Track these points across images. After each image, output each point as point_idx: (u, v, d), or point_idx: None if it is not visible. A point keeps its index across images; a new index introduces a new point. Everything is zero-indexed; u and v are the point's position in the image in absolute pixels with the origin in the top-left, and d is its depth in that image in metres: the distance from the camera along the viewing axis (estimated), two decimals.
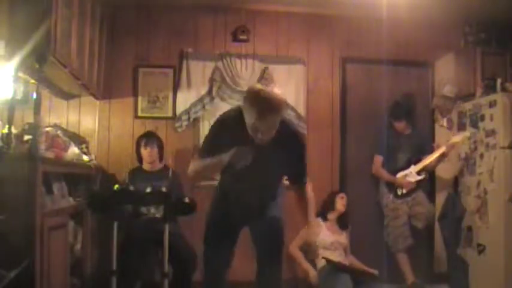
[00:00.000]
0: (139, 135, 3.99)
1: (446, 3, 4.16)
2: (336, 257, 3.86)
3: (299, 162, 2.47)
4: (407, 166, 4.17)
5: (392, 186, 4.18)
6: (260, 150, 2.20)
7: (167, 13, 4.39)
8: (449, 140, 4.14)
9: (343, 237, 4.00)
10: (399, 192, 4.14)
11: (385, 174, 4.23)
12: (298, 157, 2.45)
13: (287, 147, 2.32)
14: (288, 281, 3.98)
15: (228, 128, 2.33)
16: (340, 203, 4.06)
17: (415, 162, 4.16)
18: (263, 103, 2.10)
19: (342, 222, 4.08)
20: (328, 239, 3.92)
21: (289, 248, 3.96)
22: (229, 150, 2.20)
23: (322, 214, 4.06)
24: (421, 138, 4.30)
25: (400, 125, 4.24)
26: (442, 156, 4.12)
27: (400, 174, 4.16)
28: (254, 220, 2.60)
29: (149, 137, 3.88)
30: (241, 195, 2.51)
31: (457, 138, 4.12)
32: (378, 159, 4.28)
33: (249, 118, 2.15)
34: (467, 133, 4.14)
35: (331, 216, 4.05)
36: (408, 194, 4.14)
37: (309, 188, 2.56)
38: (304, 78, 4.51)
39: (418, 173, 4.13)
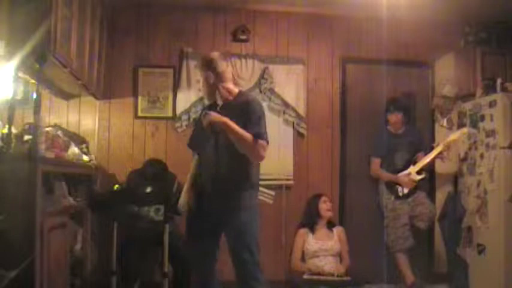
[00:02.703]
0: (145, 165, 3.92)
1: (446, 3, 4.16)
2: (323, 264, 3.89)
3: (253, 123, 2.61)
4: (405, 166, 4.15)
5: (392, 187, 4.15)
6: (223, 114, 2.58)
7: (167, 13, 4.39)
8: (447, 138, 4.13)
9: (331, 243, 4.01)
10: (400, 193, 4.13)
11: (385, 174, 4.19)
12: (252, 117, 2.62)
13: (244, 111, 2.62)
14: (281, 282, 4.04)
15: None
16: (325, 209, 4.07)
17: (414, 162, 4.15)
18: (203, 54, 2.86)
19: (330, 224, 4.11)
20: (312, 247, 3.98)
21: (292, 265, 4.01)
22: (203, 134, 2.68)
23: (310, 224, 4.08)
24: (416, 137, 4.28)
25: (393, 118, 4.20)
26: (441, 154, 4.11)
27: (400, 175, 4.14)
28: (230, 200, 2.60)
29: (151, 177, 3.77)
30: (212, 167, 2.63)
31: (454, 135, 4.12)
32: (376, 161, 4.25)
33: None
34: (464, 129, 4.14)
35: (319, 225, 4.08)
36: (409, 194, 4.12)
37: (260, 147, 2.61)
38: (304, 78, 4.50)
39: (418, 172, 4.13)
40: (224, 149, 2.62)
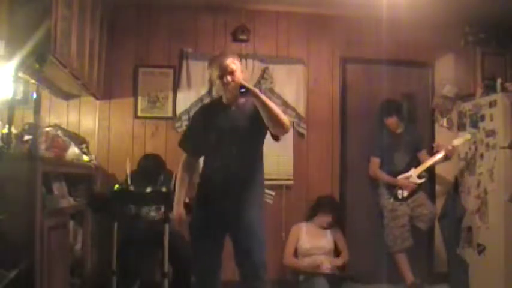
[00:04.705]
0: (140, 164, 3.92)
1: (446, 3, 4.16)
2: (317, 263, 3.86)
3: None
4: (404, 166, 4.14)
5: (392, 189, 4.12)
6: (233, 115, 2.58)
7: (167, 13, 4.39)
8: (450, 143, 4.09)
9: (325, 241, 3.98)
10: (399, 196, 4.09)
11: (384, 176, 4.18)
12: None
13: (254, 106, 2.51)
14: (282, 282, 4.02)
15: (204, 114, 2.70)
16: (324, 221, 4.03)
17: (416, 165, 4.13)
18: (219, 60, 2.56)
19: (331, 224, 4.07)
20: (305, 245, 3.95)
21: (284, 260, 3.99)
22: (209, 134, 2.59)
23: (310, 216, 4.08)
24: (414, 136, 4.26)
25: (390, 121, 4.19)
26: (445, 159, 4.09)
27: (400, 177, 4.12)
28: (239, 198, 2.53)
29: (149, 175, 3.75)
30: (224, 165, 2.55)
31: (458, 141, 4.09)
32: (375, 161, 4.23)
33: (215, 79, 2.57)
34: (468, 136, 4.12)
35: (316, 221, 4.04)
36: (408, 196, 4.09)
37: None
38: (304, 78, 4.50)
39: (419, 176, 4.11)
40: (242, 146, 2.54)
